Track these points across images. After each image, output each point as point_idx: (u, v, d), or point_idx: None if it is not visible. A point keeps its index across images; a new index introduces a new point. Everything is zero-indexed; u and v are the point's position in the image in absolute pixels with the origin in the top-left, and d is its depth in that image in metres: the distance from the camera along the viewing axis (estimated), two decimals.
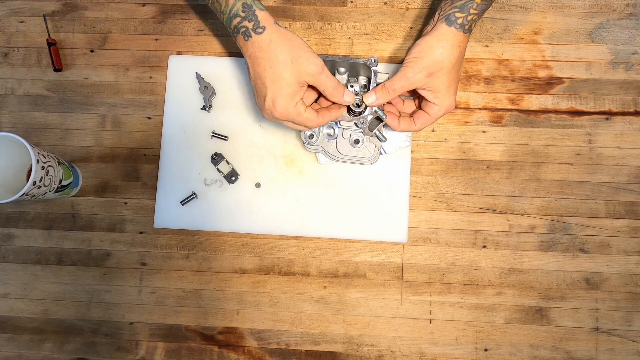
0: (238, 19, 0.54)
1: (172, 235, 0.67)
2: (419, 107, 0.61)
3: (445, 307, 0.65)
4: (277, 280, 0.66)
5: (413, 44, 0.57)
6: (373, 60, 0.60)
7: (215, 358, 0.66)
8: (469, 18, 0.55)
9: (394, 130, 0.61)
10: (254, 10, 0.54)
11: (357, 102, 0.60)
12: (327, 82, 0.56)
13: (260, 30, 0.54)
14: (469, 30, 0.56)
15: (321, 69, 0.55)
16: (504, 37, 0.68)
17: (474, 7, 0.55)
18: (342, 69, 0.62)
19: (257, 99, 0.58)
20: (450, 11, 0.56)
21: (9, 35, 0.71)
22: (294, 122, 0.57)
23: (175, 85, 0.69)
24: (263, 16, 0.54)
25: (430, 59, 0.55)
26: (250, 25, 0.54)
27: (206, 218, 0.67)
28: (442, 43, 0.55)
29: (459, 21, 0.55)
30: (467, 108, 0.67)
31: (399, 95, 0.60)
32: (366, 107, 0.60)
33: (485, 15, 0.68)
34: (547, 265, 0.65)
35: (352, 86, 0.61)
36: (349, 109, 0.60)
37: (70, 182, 0.65)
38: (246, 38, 0.55)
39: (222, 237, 0.67)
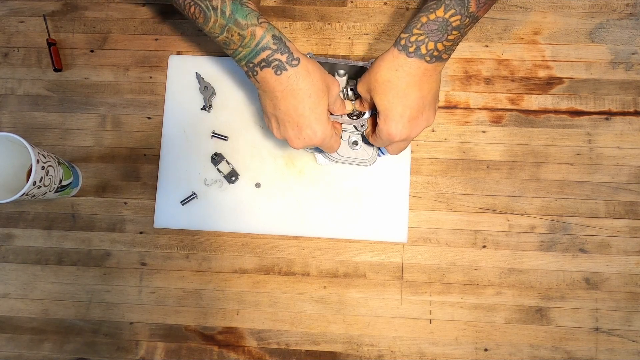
0: (268, 52, 0.51)
1: (172, 235, 0.67)
2: None
3: (445, 307, 0.65)
4: (277, 280, 0.66)
5: None
6: (371, 63, 0.60)
7: (215, 358, 0.66)
8: (412, 39, 0.50)
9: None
10: (285, 42, 0.52)
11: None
12: (338, 98, 0.58)
13: (296, 62, 0.52)
14: (417, 54, 0.51)
15: (339, 87, 0.57)
16: (503, 37, 0.68)
17: (418, 26, 0.50)
18: (341, 71, 0.62)
19: (287, 131, 0.55)
20: (399, 32, 0.54)
21: (9, 35, 0.71)
22: (321, 146, 0.56)
23: (175, 85, 0.69)
24: (292, 47, 0.52)
25: (369, 74, 0.54)
26: (283, 58, 0.51)
27: (206, 218, 0.67)
28: (380, 62, 0.53)
29: (402, 42, 0.51)
30: (467, 108, 0.67)
31: None
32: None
33: (486, 15, 0.68)
34: (547, 265, 0.65)
35: (352, 89, 0.61)
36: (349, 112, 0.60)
37: (70, 182, 0.65)
38: (279, 72, 0.52)
39: (222, 237, 0.67)
